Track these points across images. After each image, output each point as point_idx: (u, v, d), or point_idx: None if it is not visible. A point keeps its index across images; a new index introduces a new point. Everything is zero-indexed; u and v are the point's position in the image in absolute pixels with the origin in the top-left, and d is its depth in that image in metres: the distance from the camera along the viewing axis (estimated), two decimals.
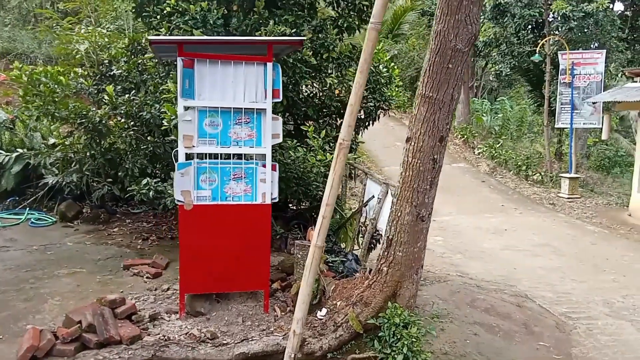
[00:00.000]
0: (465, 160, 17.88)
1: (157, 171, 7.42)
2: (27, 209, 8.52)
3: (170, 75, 7.02)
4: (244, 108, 4.96)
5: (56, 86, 6.72)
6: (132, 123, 7.16)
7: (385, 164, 16.57)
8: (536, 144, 18.51)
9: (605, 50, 14.28)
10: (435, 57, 4.51)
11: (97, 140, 7.21)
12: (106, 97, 6.91)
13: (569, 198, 14.26)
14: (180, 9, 6.78)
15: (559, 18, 14.07)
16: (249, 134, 5.03)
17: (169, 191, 6.54)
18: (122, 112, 6.81)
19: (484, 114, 23.57)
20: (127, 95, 6.81)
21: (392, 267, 4.96)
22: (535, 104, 20.93)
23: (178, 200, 4.90)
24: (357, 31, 7.81)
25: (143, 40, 8.16)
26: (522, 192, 14.97)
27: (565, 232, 11.81)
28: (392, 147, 17.43)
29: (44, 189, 8.63)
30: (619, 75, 16.35)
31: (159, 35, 6.92)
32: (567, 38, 14.31)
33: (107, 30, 10.17)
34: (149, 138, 7.19)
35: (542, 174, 15.79)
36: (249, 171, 5.07)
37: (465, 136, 19.18)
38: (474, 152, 18.27)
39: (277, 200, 5.21)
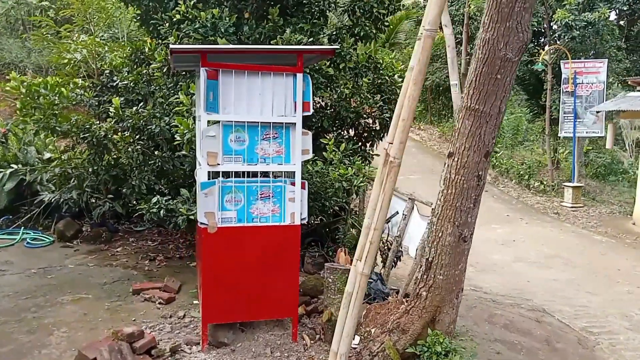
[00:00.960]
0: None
1: (162, 187, 7.00)
2: (22, 228, 8.03)
3: (180, 85, 6.64)
4: (273, 122, 4.58)
5: (56, 98, 6.27)
6: (137, 137, 6.74)
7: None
8: (533, 152, 18.32)
9: (607, 60, 14.17)
10: (483, 67, 4.19)
11: (101, 156, 6.77)
12: (111, 109, 6.49)
13: (572, 207, 14.07)
14: (191, 17, 6.41)
15: (562, 27, 13.89)
16: (277, 150, 4.66)
17: (180, 209, 6.14)
18: (128, 125, 6.39)
19: None
20: (134, 108, 6.39)
21: (432, 291, 4.60)
22: (532, 113, 20.81)
23: (201, 223, 4.50)
24: (374, 40, 7.50)
25: (146, 50, 7.77)
26: (525, 202, 14.75)
27: (574, 242, 11.60)
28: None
29: (40, 206, 8.15)
30: (616, 84, 16.28)
31: (165, 43, 6.55)
32: (569, 47, 14.17)
33: (101, 39, 9.75)
34: (156, 152, 6.77)
35: (544, 182, 15.60)
36: (276, 190, 4.69)
37: None
38: None
39: (306, 220, 4.84)
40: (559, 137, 16.29)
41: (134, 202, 6.84)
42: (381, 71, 7.70)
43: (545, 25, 15.92)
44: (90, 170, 6.99)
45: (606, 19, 13.82)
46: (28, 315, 5.24)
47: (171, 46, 4.21)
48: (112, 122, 6.46)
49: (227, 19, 6.54)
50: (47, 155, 8.28)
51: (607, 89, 13.99)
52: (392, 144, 3.87)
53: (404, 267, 7.23)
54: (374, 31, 7.39)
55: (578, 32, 13.79)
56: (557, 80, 15.15)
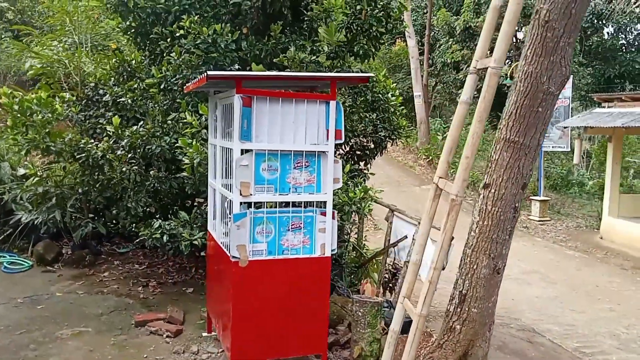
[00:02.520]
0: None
1: (157, 209, 6.66)
2: None
3: (177, 102, 6.33)
4: (305, 151, 4.40)
5: (49, 115, 5.84)
6: (130, 156, 6.37)
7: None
8: None
9: (572, 76, 14.67)
10: (524, 99, 4.17)
11: (96, 177, 6.35)
12: (109, 128, 6.11)
13: (540, 221, 14.47)
14: (193, 32, 6.14)
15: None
16: (308, 179, 4.47)
17: (182, 234, 5.85)
18: (125, 145, 6.03)
19: (438, 133, 23.85)
20: (134, 127, 6.03)
21: (467, 324, 4.54)
22: (491, 125, 21.32)
23: (233, 257, 4.25)
24: (371, 58, 7.41)
25: (133, 62, 7.41)
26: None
27: (548, 257, 11.89)
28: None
29: (15, 227, 7.58)
30: (577, 100, 16.90)
31: (167, 58, 6.24)
32: None
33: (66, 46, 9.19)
34: (151, 172, 6.43)
35: None
36: (307, 220, 4.51)
37: (430, 157, 19.21)
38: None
39: (335, 252, 4.67)
40: None
41: (128, 224, 6.46)
42: (375, 89, 7.62)
43: (512, 41, 16.36)
44: (80, 190, 6.54)
45: None
46: (29, 353, 4.82)
47: (209, 73, 3.95)
48: (111, 142, 6.08)
49: (229, 35, 6.31)
50: (21, 171, 7.73)
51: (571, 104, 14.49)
52: (442, 178, 3.78)
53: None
54: (373, 49, 7.30)
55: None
56: None
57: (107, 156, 6.01)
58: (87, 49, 8.42)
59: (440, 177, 3.78)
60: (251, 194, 4.27)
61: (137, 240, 6.38)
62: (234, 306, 4.34)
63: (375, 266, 6.99)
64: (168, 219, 6.09)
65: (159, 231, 5.80)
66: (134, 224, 6.51)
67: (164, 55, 6.75)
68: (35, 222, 7.26)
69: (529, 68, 4.12)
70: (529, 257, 11.74)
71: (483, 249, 4.44)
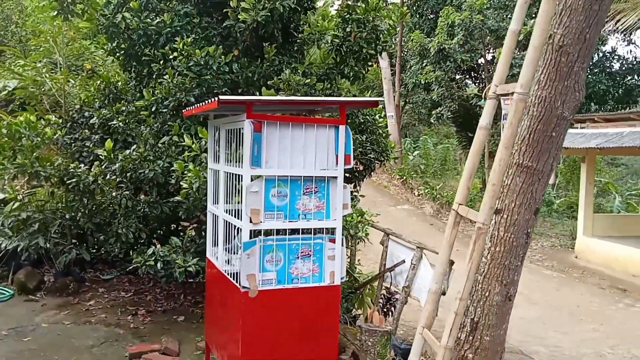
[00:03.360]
0: (408, 202, 17.94)
1: (147, 235, 6.44)
2: None
3: (169, 125, 6.17)
4: (315, 176, 4.30)
5: (38, 139, 5.59)
6: (119, 180, 6.15)
7: None
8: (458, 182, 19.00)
9: None
10: (538, 124, 4.19)
11: (85, 202, 6.09)
12: (99, 151, 5.90)
13: None
14: (186, 54, 6.01)
15: None
16: (317, 205, 4.37)
17: (176, 261, 5.65)
18: (118, 169, 5.82)
19: (409, 153, 24.09)
20: (127, 151, 5.83)
21: (479, 353, 4.49)
22: (461, 144, 21.70)
23: (244, 287, 4.10)
24: (361, 80, 7.39)
25: (119, 84, 7.22)
26: (469, 235, 15.15)
27: (527, 277, 11.99)
28: None
29: None
30: None
31: (160, 80, 6.09)
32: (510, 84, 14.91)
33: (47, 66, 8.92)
34: (140, 197, 6.22)
35: None
36: (316, 247, 4.39)
37: (404, 177, 19.33)
38: (415, 194, 18.41)
39: (344, 280, 4.56)
40: (485, 168, 17.07)
41: (118, 251, 6.22)
42: (363, 111, 7.61)
43: (483, 62, 16.73)
44: (67, 216, 6.26)
45: None
46: None
47: (220, 97, 3.84)
48: (103, 166, 5.85)
49: (221, 57, 6.21)
50: (0, 196, 7.37)
51: None
52: (462, 205, 3.74)
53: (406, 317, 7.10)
54: (363, 72, 7.30)
55: (518, 70, 14.52)
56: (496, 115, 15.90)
57: (98, 181, 5.78)
58: (62, 69, 8.15)
59: (460, 204, 3.74)
60: (261, 222, 4.14)
61: (129, 267, 6.13)
62: (243, 337, 4.17)
63: (370, 291, 6.89)
64: (158, 244, 5.90)
65: (153, 258, 5.60)
66: (123, 250, 6.29)
67: (153, 77, 6.60)
68: (15, 249, 6.90)
69: (542, 93, 4.15)
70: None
71: (495, 275, 4.42)
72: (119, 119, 6.30)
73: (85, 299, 6.86)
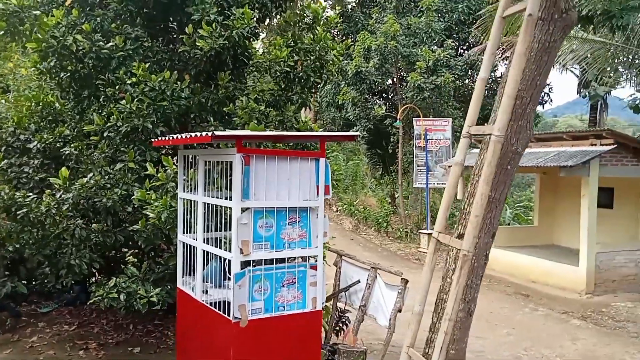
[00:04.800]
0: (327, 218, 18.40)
1: (101, 265, 6.23)
2: None
3: (122, 151, 6.03)
4: (299, 207, 4.50)
5: None
6: (68, 209, 5.91)
7: None
8: (383, 200, 19.87)
9: (451, 119, 16.23)
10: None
11: (36, 234, 5.77)
12: (53, 180, 5.64)
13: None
14: (142, 79, 5.95)
15: (415, 88, 15.63)
16: (300, 234, 4.57)
17: (139, 292, 5.55)
18: (75, 198, 5.60)
19: None
20: (85, 179, 5.62)
21: None
22: (372, 161, 22.63)
23: (235, 317, 4.18)
24: (308, 107, 7.67)
25: (57, 105, 6.93)
26: (389, 249, 15.89)
27: None
28: None
29: None
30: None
31: (117, 107, 5.95)
32: (420, 106, 15.96)
33: None
34: (93, 226, 6.02)
35: (400, 229, 17.02)
36: (300, 275, 4.58)
37: None
38: (333, 209, 18.91)
39: (325, 304, 4.78)
40: (399, 185, 18.08)
41: (69, 283, 5.96)
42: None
43: (391, 84, 17.72)
44: (10, 248, 5.89)
45: (449, 83, 15.93)
46: None
47: (216, 133, 3.93)
48: (57, 196, 5.60)
49: (177, 82, 6.20)
50: None
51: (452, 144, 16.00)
52: (441, 233, 4.12)
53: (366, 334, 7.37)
54: (310, 99, 7.56)
55: (428, 94, 15.65)
56: (403, 133, 16.94)
57: (52, 211, 5.52)
58: None
59: (439, 232, 4.10)
60: (250, 252, 4.26)
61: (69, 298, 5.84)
62: None
63: (324, 311, 7.10)
64: (113, 275, 5.74)
65: (115, 290, 5.45)
66: (70, 282, 6.04)
67: (100, 100, 6.43)
68: None
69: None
70: (430, 289, 12.53)
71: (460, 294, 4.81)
72: (72, 145, 6.05)
73: (25, 334, 6.45)
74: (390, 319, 6.05)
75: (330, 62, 7.39)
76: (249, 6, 6.28)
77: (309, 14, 7.12)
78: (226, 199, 4.44)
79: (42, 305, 7.27)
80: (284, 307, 4.49)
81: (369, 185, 23.59)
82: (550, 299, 11.30)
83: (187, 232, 5.16)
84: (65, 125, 6.66)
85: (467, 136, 4.11)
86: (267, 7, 6.90)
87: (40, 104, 6.76)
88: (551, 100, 21.79)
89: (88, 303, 6.91)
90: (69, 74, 6.25)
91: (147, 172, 5.48)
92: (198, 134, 4.19)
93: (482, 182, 3.83)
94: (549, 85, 20.54)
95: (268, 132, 4.88)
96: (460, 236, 4.85)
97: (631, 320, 9.84)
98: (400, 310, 6.12)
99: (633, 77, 14.42)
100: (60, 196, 5.56)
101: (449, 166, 15.79)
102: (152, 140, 6.01)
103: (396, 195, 20.58)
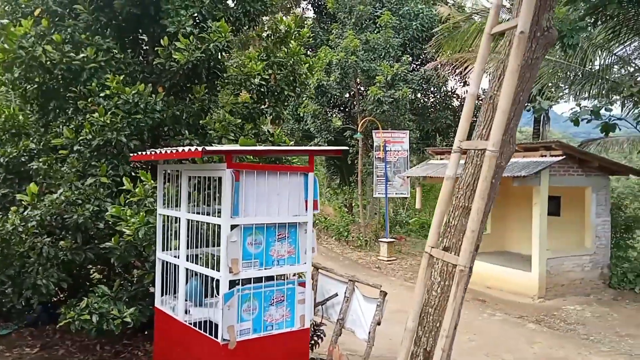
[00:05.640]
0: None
1: (67, 284, 5.95)
2: None
3: (92, 165, 5.81)
4: (288, 223, 4.45)
5: None
6: (34, 226, 5.63)
7: None
8: (341, 210, 19.94)
9: (409, 131, 16.50)
10: (480, 172, 4.76)
11: (2, 253, 5.44)
12: (19, 196, 5.36)
13: (388, 261, 15.69)
14: (115, 91, 5.76)
15: (375, 102, 15.84)
16: (288, 250, 4.52)
17: (111, 312, 5.33)
18: (45, 214, 5.34)
19: None
20: (54, 195, 5.36)
21: None
22: (330, 172, 22.78)
23: (224, 339, 4.07)
24: (282, 120, 7.62)
25: (21, 118, 6.63)
26: (350, 258, 15.95)
27: (406, 295, 12.88)
28: None
29: None
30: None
31: (90, 119, 5.73)
32: (379, 119, 16.17)
33: None
34: (61, 244, 5.75)
35: (360, 238, 17.14)
36: (288, 292, 4.51)
37: None
38: None
39: (312, 322, 4.73)
40: (359, 195, 18.27)
41: (35, 304, 5.66)
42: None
43: (356, 98, 17.93)
44: None
45: (406, 96, 16.23)
46: None
47: (205, 148, 3.83)
48: (26, 213, 5.31)
49: (152, 95, 6.04)
50: None
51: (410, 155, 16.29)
52: (434, 247, 4.16)
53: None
54: (283, 112, 7.52)
55: (387, 107, 15.88)
56: (362, 145, 17.15)
57: (19, 229, 5.24)
58: None
59: (432, 247, 4.14)
60: (240, 271, 4.17)
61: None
62: None
63: None
64: (78, 294, 5.52)
65: (87, 311, 5.21)
66: (36, 302, 5.74)
67: (67, 113, 6.20)
68: None
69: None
70: (391, 296, 12.57)
71: (445, 307, 4.87)
72: (40, 159, 5.77)
73: None
74: (369, 332, 6.05)
75: (304, 75, 7.38)
76: (224, 20, 6.20)
77: (282, 28, 7.09)
78: (207, 214, 4.35)
79: (0, 327, 6.87)
80: (272, 326, 4.41)
81: (325, 194, 23.70)
82: (506, 304, 11.58)
83: (165, 249, 5.02)
84: (30, 138, 6.35)
85: (458, 151, 4.17)
86: (241, 21, 6.83)
87: (2, 116, 6.43)
88: None
89: (57, 325, 6.61)
90: (36, 86, 5.99)
91: (121, 188, 5.29)
92: (186, 148, 4.08)
93: (477, 197, 3.89)
94: None
95: (259, 147, 4.81)
96: (446, 249, 4.92)
97: (580, 322, 10.23)
98: (379, 323, 6.14)
99: (574, 93, 15.09)
100: (28, 213, 5.29)
101: (407, 177, 16.07)
102: (126, 154, 5.85)
103: (353, 205, 20.73)
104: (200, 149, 3.88)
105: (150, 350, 6.63)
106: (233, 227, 4.16)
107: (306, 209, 4.55)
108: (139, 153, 4.98)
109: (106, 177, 5.70)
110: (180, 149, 4.18)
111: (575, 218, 12.69)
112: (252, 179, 4.21)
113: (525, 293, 11.72)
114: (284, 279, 4.56)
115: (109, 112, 5.67)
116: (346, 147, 5.40)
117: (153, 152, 4.59)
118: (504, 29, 4.04)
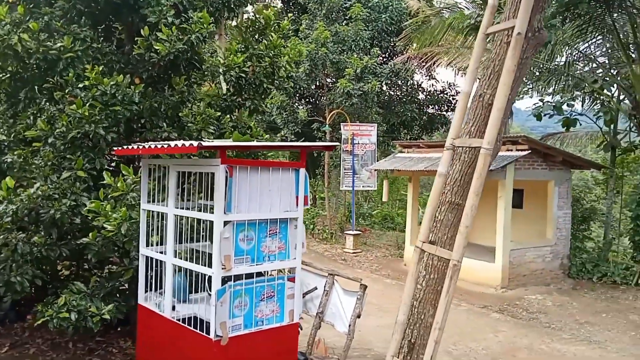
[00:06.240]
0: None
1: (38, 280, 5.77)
2: None
3: (68, 158, 5.63)
4: (279, 218, 4.43)
5: None
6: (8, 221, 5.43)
7: None
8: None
9: (376, 124, 16.63)
10: (468, 169, 4.83)
11: None
12: None
13: (354, 253, 15.83)
14: (94, 82, 5.59)
15: (344, 94, 15.87)
16: (279, 246, 4.50)
17: (89, 309, 5.20)
18: (22, 210, 5.15)
19: None
20: (31, 190, 5.16)
21: None
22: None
23: (217, 335, 4.04)
24: (262, 113, 7.55)
25: None
26: (316, 250, 15.99)
27: (373, 287, 13.00)
28: None
29: None
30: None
31: (69, 111, 5.54)
32: (347, 112, 16.23)
33: None
34: (34, 239, 5.56)
35: (326, 231, 17.21)
36: (278, 288, 4.51)
37: None
38: None
39: (302, 317, 4.74)
40: (325, 187, 18.35)
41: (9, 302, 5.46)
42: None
43: (323, 90, 17.92)
44: None
45: (375, 89, 16.34)
46: None
47: (203, 143, 3.76)
48: (1, 208, 5.09)
49: (130, 87, 5.89)
50: None
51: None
52: (425, 242, 4.23)
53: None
54: (262, 105, 7.45)
55: (356, 100, 15.96)
56: (331, 138, 17.19)
57: None
58: None
59: (423, 242, 4.21)
60: (232, 267, 4.14)
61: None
62: None
63: None
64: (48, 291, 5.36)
65: (65, 308, 5.07)
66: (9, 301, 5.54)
67: (36, 103, 5.97)
68: None
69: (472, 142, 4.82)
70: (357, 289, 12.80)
71: (429, 300, 4.96)
72: (15, 152, 5.54)
73: None
74: (350, 325, 6.10)
75: (283, 67, 7.33)
76: (205, 10, 6.09)
77: (261, 19, 7.00)
78: (192, 209, 4.29)
79: None
80: (262, 321, 4.41)
81: None
82: (470, 294, 11.83)
83: (150, 246, 4.92)
84: None
85: (451, 148, 4.24)
86: (221, 12, 6.71)
87: None
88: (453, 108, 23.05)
89: (25, 323, 6.41)
90: (8, 75, 5.74)
91: (100, 182, 5.15)
92: (179, 143, 4.01)
93: (472, 193, 3.96)
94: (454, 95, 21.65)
95: (254, 143, 4.75)
96: (432, 242, 4.99)
97: (542, 311, 10.61)
98: (359, 316, 6.20)
99: (538, 88, 15.53)
100: (2, 208, 5.08)
101: (375, 170, 16.21)
102: (102, 147, 5.69)
103: (317, 198, 20.77)
104: (195, 144, 3.81)
105: (125, 347, 6.50)
106: (225, 223, 4.11)
107: (297, 205, 4.54)
108: (123, 147, 4.85)
109: (83, 170, 5.54)
110: (173, 143, 4.09)
111: (538, 210, 13.09)
112: (245, 175, 4.17)
113: (488, 284, 12.02)
114: (275, 275, 4.55)
115: (87, 104, 5.50)
116: (337, 144, 5.39)
117: (141, 147, 4.48)
118: (500, 29, 4.12)
